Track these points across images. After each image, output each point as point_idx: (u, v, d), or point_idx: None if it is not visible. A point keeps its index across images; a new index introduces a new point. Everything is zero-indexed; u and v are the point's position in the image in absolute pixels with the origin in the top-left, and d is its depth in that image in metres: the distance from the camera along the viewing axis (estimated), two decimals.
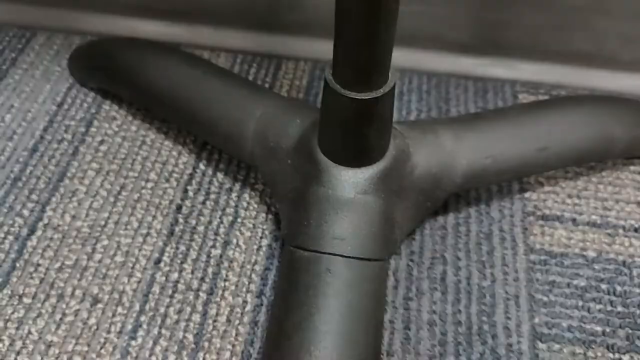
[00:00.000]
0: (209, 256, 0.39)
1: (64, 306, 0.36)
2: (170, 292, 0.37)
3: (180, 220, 0.40)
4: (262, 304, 0.37)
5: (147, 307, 0.37)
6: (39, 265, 0.38)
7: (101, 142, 0.44)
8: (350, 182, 0.33)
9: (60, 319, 0.36)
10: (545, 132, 0.38)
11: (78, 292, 0.37)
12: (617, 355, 0.36)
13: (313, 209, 0.33)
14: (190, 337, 0.35)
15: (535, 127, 0.38)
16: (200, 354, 0.35)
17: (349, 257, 0.32)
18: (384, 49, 0.29)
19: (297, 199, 0.34)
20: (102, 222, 0.40)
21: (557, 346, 0.36)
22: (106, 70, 0.46)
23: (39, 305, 0.36)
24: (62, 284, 0.37)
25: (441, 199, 0.37)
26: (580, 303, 0.37)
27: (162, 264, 0.38)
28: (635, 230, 0.41)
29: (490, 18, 0.47)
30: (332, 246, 0.32)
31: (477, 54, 0.49)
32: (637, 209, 0.42)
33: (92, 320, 0.36)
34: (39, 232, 0.39)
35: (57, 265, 0.38)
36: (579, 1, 0.45)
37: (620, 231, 0.41)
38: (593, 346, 0.36)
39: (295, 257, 0.32)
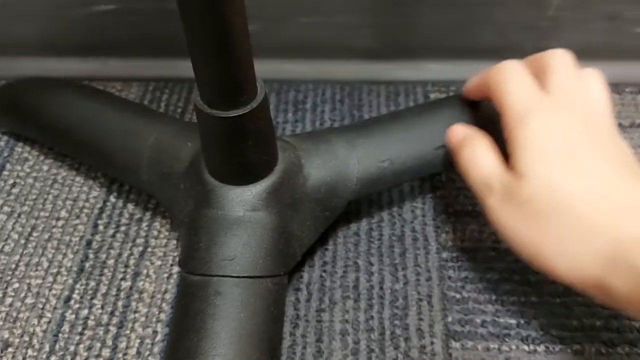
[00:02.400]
0: (119, 289, 0.38)
1: None
2: (80, 329, 0.37)
3: (91, 255, 0.40)
4: None
5: (56, 346, 0.36)
6: None
7: (13, 185, 0.44)
8: (237, 200, 0.33)
9: None
10: (442, 130, 0.38)
11: None
12: (532, 347, 0.35)
13: (203, 232, 0.33)
14: None
15: (431, 126, 0.38)
16: None
17: (239, 277, 0.31)
18: (241, 65, 0.28)
19: (190, 224, 0.34)
20: (13, 266, 0.40)
21: (470, 343, 0.35)
22: (13, 113, 0.45)
23: None
24: None
25: (339, 207, 0.36)
26: (494, 297, 0.37)
27: (72, 302, 0.38)
28: None
29: (393, 22, 0.48)
30: (220, 268, 0.31)
31: (385, 59, 0.49)
32: None
33: None
34: None
35: None
36: None
37: None
38: (507, 339, 0.35)
39: (187, 283, 0.32)
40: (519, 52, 0.48)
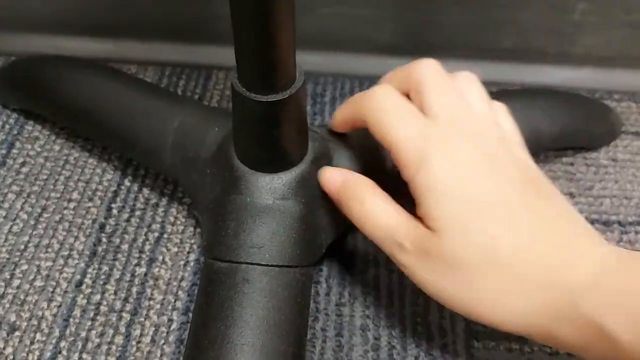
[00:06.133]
0: (133, 275, 0.37)
1: None
2: (92, 314, 0.36)
3: (104, 239, 0.39)
4: (188, 321, 0.35)
5: (67, 332, 0.35)
6: None
7: (23, 164, 0.43)
8: (267, 188, 0.32)
9: None
10: None
11: None
12: (553, 349, 0.35)
13: (231, 218, 0.32)
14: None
15: None
16: None
17: (267, 265, 0.30)
18: (284, 49, 0.28)
19: (217, 209, 0.33)
20: (22, 247, 0.38)
21: (492, 343, 0.35)
22: (27, 90, 0.44)
23: None
24: None
25: None
26: None
27: (83, 286, 0.37)
28: None
29: (416, 18, 0.47)
30: (249, 255, 0.31)
31: (406, 55, 0.48)
32: (570, 200, 0.41)
33: (9, 350, 0.34)
34: None
35: None
36: None
37: None
38: (529, 341, 0.35)
39: (213, 270, 0.31)
40: (539, 56, 0.48)
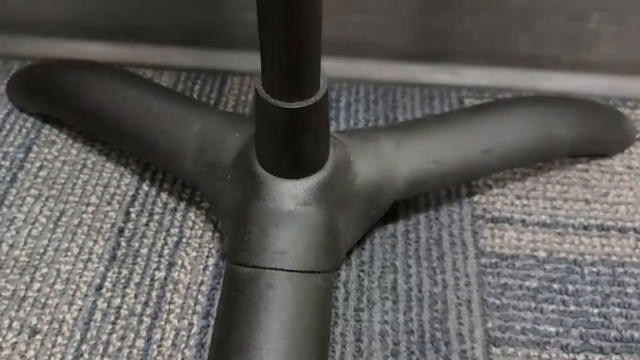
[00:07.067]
0: (152, 279, 0.37)
1: (0, 339, 0.35)
2: (112, 318, 0.36)
3: (123, 243, 0.39)
4: (208, 325, 0.35)
5: (88, 335, 0.35)
6: None
7: (40, 168, 0.43)
8: (289, 193, 0.32)
9: None
10: (489, 134, 0.38)
11: (16, 324, 0.35)
12: (571, 355, 0.35)
13: (253, 224, 0.32)
14: None
15: (478, 129, 0.38)
16: None
17: (291, 270, 0.31)
18: (310, 57, 0.28)
19: (238, 215, 0.33)
20: (41, 250, 0.39)
21: (511, 350, 0.35)
22: (45, 94, 0.44)
23: None
24: None
25: (385, 206, 0.36)
26: (533, 304, 0.37)
27: (103, 290, 0.37)
28: (585, 228, 0.41)
29: (432, 25, 0.47)
30: (272, 261, 0.31)
31: (421, 61, 0.49)
32: (585, 206, 0.42)
33: (31, 353, 0.34)
34: None
35: None
36: (517, 4, 0.46)
37: (570, 230, 0.40)
38: (547, 347, 0.35)
39: (236, 275, 0.31)
40: (554, 63, 0.49)
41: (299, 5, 0.25)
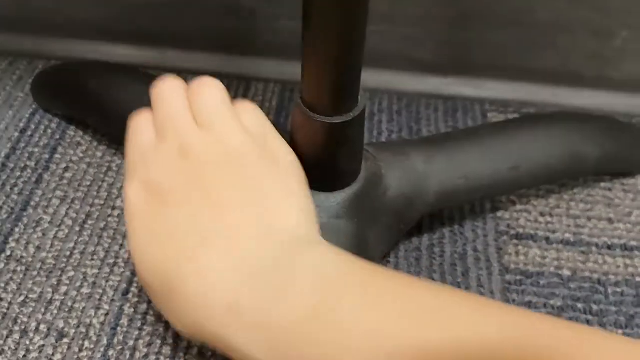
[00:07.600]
0: None
1: (27, 342, 0.35)
2: (139, 324, 0.36)
3: None
4: None
5: (115, 340, 0.35)
6: (1, 299, 0.36)
7: (66, 169, 0.43)
8: (322, 206, 0.32)
9: (24, 355, 0.34)
10: (517, 150, 0.38)
11: (43, 327, 0.36)
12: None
13: None
14: None
15: (506, 146, 0.38)
16: None
17: None
18: (353, 72, 0.28)
19: None
20: (68, 253, 0.39)
21: None
22: (71, 96, 0.45)
23: (1, 342, 0.35)
24: (25, 319, 0.36)
25: (414, 220, 0.36)
26: None
27: (130, 295, 0.37)
28: (609, 247, 0.41)
29: (457, 37, 0.48)
30: None
31: (446, 74, 0.49)
32: (609, 225, 0.42)
33: (58, 356, 0.34)
34: (1, 265, 0.38)
35: (21, 299, 0.37)
36: (544, 19, 0.46)
37: (594, 249, 0.41)
38: None
39: None
40: (578, 79, 0.49)
41: (349, 23, 0.25)
